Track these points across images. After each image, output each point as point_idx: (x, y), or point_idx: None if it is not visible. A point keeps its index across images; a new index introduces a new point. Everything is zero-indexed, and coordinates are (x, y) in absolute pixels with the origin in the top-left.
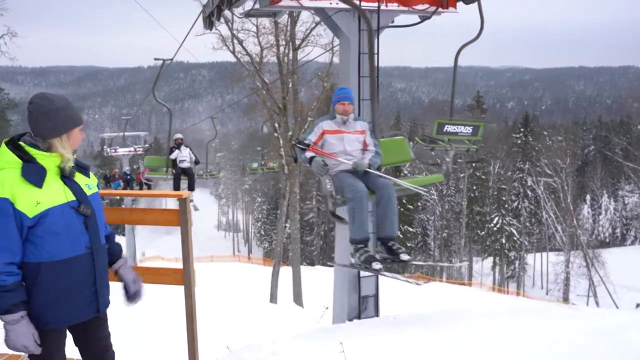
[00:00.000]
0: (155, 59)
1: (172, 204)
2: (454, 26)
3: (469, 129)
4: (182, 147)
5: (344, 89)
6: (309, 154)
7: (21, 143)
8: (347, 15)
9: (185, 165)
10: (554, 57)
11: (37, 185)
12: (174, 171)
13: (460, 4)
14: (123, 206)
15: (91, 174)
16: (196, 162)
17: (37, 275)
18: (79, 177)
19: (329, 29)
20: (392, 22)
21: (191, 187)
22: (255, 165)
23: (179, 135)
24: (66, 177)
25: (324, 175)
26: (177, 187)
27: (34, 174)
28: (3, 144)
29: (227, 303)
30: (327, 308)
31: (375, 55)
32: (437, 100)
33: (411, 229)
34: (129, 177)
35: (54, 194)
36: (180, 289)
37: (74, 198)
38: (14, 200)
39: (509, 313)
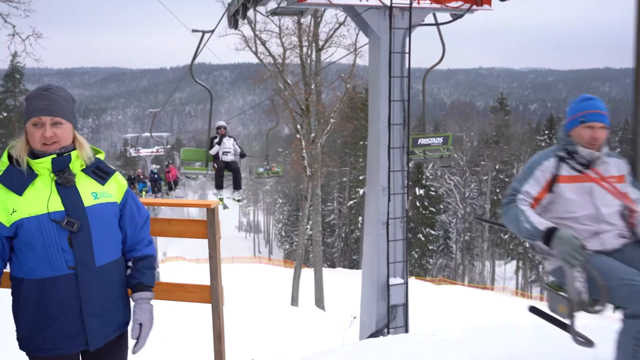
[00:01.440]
0: (194, 31)
1: (193, 212)
2: (477, 27)
3: (440, 140)
4: (226, 138)
5: (591, 99)
6: (537, 222)
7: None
8: (377, 13)
9: (229, 158)
10: (579, 58)
11: (16, 192)
12: (215, 165)
13: (495, 1)
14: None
15: (117, 180)
16: (242, 155)
17: (20, 293)
18: (85, 184)
19: (359, 28)
20: (423, 20)
21: (237, 185)
22: (261, 170)
23: (221, 123)
24: (60, 184)
25: (578, 264)
26: (219, 184)
27: (14, 180)
28: (9, 146)
29: (249, 307)
30: (354, 317)
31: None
32: (459, 102)
33: (433, 232)
34: (156, 175)
35: (33, 202)
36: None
37: (62, 208)
38: None
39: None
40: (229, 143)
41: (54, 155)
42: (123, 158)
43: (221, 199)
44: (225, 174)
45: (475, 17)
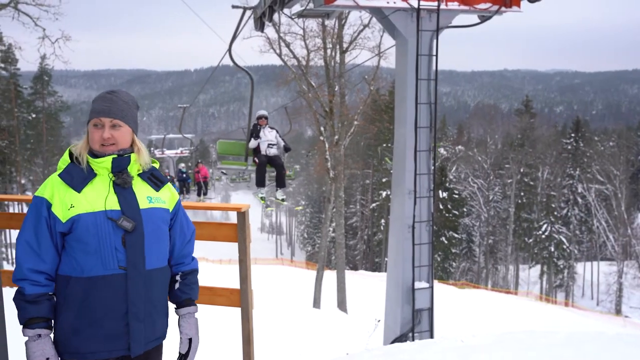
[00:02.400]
0: (234, 7)
1: (216, 214)
2: (502, 29)
3: None
4: (267, 129)
5: None
6: None
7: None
8: (404, 15)
9: (273, 152)
10: (606, 60)
11: (75, 189)
12: (256, 160)
13: (524, 3)
14: None
15: (170, 190)
16: (286, 149)
17: (65, 291)
18: (141, 187)
19: (385, 30)
20: (451, 22)
21: (281, 183)
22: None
23: (263, 113)
24: (118, 185)
25: None
26: (261, 181)
27: (74, 177)
28: (70, 146)
29: (272, 308)
30: (379, 321)
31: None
32: (483, 104)
33: (456, 235)
34: (184, 175)
35: (92, 199)
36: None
37: (118, 208)
38: (52, 201)
39: (593, 340)
40: (271, 135)
41: (114, 156)
42: None
43: (262, 198)
44: (267, 169)
45: (501, 19)
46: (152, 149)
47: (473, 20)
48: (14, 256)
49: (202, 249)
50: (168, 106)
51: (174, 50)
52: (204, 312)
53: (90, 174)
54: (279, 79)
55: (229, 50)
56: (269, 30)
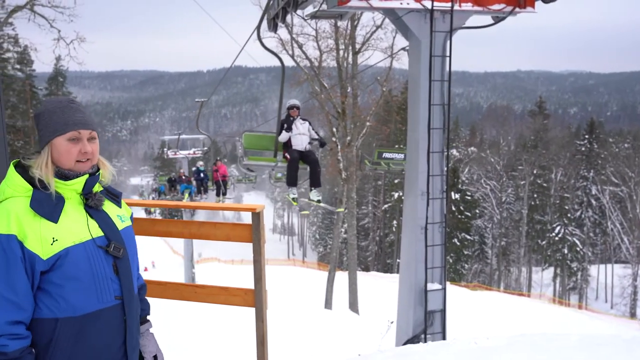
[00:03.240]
0: None
1: (228, 215)
2: (515, 30)
3: (402, 155)
4: (299, 120)
5: None
6: None
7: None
8: (417, 16)
9: (304, 146)
10: (621, 60)
11: (50, 219)
12: (287, 155)
13: (538, 3)
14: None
15: (124, 203)
16: (321, 144)
17: (53, 336)
18: (109, 207)
19: (399, 31)
20: (464, 23)
21: (316, 181)
22: (279, 175)
23: (294, 102)
24: (91, 207)
25: None
26: (292, 179)
27: (45, 205)
28: (12, 165)
29: (284, 309)
30: (392, 323)
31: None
32: (496, 105)
33: (468, 237)
34: (202, 173)
35: (74, 228)
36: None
37: (102, 233)
38: (23, 237)
39: (608, 343)
40: (303, 127)
41: (87, 176)
42: (160, 160)
43: (294, 199)
44: (300, 166)
45: (514, 19)
46: (165, 149)
47: (487, 21)
48: None
49: (214, 250)
50: (181, 107)
51: (187, 51)
52: (215, 312)
53: (60, 199)
54: (292, 80)
55: (257, 28)
56: (282, 32)
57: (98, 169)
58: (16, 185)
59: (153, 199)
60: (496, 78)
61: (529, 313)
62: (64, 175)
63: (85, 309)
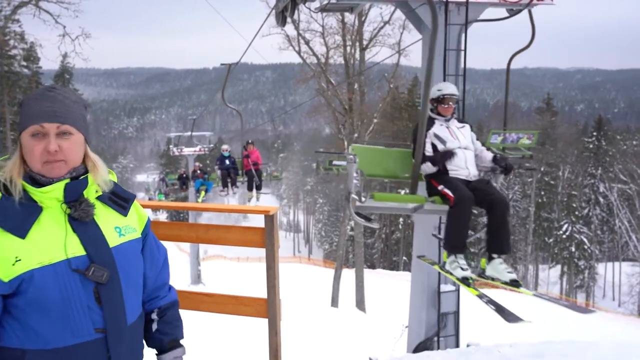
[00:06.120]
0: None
1: (235, 216)
2: (522, 26)
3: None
4: (454, 123)
5: None
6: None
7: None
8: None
9: (471, 171)
10: (628, 57)
11: (16, 234)
12: (447, 192)
13: None
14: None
15: (137, 208)
16: (506, 168)
17: None
18: (104, 216)
19: (412, 24)
20: (480, 16)
21: (504, 244)
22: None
23: (449, 89)
24: (76, 220)
25: None
26: (460, 239)
27: (10, 216)
28: None
29: (291, 308)
30: (406, 327)
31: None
32: (502, 103)
33: (476, 235)
34: (228, 160)
35: (44, 246)
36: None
37: (83, 252)
38: None
39: None
40: (463, 135)
41: (67, 180)
42: (166, 157)
43: (467, 281)
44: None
45: (522, 15)
46: (171, 146)
47: (502, 14)
48: None
49: (220, 247)
50: (187, 104)
51: (193, 48)
52: (227, 320)
53: (34, 210)
54: (298, 77)
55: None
56: (288, 28)
57: (85, 172)
58: None
59: (160, 191)
60: (502, 75)
61: (536, 312)
62: (35, 180)
63: (58, 343)
